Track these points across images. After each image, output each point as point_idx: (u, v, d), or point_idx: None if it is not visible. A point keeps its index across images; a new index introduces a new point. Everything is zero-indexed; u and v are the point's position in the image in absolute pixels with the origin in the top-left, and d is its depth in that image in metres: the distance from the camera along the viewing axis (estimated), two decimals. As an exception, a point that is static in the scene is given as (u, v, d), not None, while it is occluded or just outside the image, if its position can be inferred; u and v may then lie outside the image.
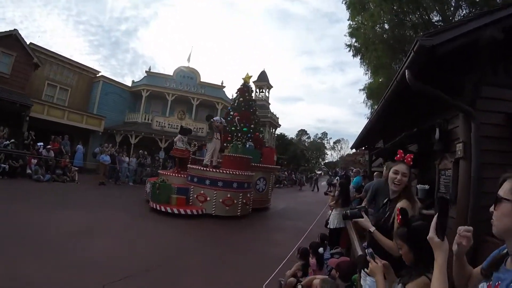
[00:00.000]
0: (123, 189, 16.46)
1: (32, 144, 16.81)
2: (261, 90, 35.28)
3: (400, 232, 2.12)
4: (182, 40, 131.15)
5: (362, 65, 21.58)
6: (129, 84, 28.86)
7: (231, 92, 38.10)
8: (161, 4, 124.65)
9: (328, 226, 7.07)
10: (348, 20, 20.36)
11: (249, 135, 15.58)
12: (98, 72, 26.80)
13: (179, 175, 12.92)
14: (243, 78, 17.40)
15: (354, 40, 20.65)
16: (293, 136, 69.49)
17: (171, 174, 13.19)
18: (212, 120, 12.83)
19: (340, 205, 6.79)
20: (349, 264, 4.26)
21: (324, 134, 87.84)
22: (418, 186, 5.17)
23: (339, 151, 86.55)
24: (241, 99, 16.85)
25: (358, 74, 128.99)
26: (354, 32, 20.06)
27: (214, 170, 11.80)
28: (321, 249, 5.49)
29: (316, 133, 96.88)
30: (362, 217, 3.16)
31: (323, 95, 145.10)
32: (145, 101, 27.24)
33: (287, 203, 18.79)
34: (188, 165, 12.90)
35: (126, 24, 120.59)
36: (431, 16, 17.27)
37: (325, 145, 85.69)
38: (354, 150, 19.80)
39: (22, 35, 19.34)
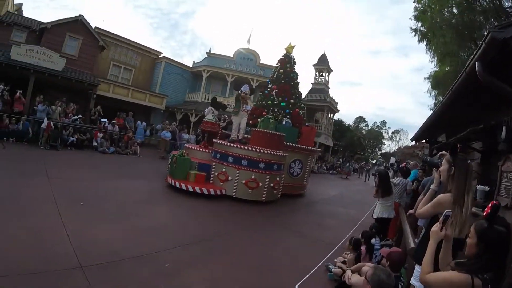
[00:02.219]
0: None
1: (99, 119, 17.91)
2: (320, 74, 34.46)
3: (479, 224, 2.02)
4: (241, 22, 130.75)
5: (428, 52, 20.35)
6: (190, 64, 29.53)
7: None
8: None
9: (372, 216, 6.96)
10: (414, 2, 19.17)
11: (287, 110, 13.77)
12: (160, 53, 27.82)
13: (205, 150, 11.72)
14: (285, 48, 15.37)
15: (420, 24, 19.44)
16: (351, 123, 67.12)
17: (196, 148, 12.12)
18: (240, 91, 11.48)
19: (380, 195, 6.62)
20: (400, 255, 4.25)
21: (383, 122, 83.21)
22: (478, 187, 4.92)
23: (397, 142, 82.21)
24: (281, 70, 14.76)
25: (422, 60, 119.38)
26: (420, 15, 18.83)
27: (239, 146, 10.32)
28: (373, 240, 5.46)
29: (374, 121, 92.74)
30: (438, 166, 3.26)
31: (384, 81, 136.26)
32: (205, 81, 27.74)
33: (340, 190, 18.60)
34: (214, 140, 11.53)
35: (184, 6, 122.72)
36: (502, 2, 15.99)
37: (383, 135, 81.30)
38: (413, 142, 18.98)
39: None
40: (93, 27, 21.63)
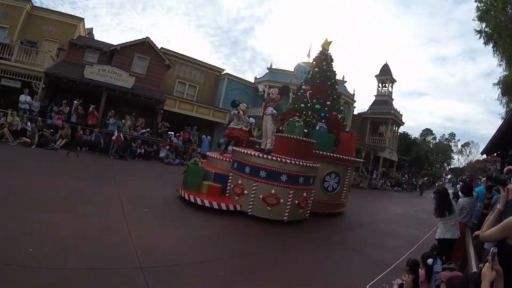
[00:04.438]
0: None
1: (166, 132, 19.00)
2: (383, 85, 33.44)
3: None
4: (300, 35, 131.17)
5: (495, 54, 19.07)
6: (251, 80, 30.00)
7: (352, 87, 36.51)
8: (274, 2, 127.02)
9: (435, 237, 6.46)
10: (475, 1, 18.30)
11: (322, 114, 11.68)
12: (223, 70, 28.65)
13: (224, 159, 10.27)
14: (321, 45, 13.14)
15: (484, 25, 18.41)
16: (417, 136, 63.90)
17: (216, 157, 10.59)
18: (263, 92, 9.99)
19: (439, 214, 6.10)
20: (461, 280, 3.90)
21: (452, 135, 78.04)
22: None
23: (467, 155, 76.43)
24: (316, 69, 12.56)
25: (491, 64, 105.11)
26: (483, 15, 17.85)
27: (256, 154, 8.64)
28: (429, 260, 5.08)
29: (442, 133, 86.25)
30: (506, 183, 2.98)
31: (452, 89, 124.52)
32: (267, 96, 27.69)
33: (404, 208, 17.33)
34: (233, 147, 10.11)
35: (243, 24, 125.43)
36: None
37: (452, 148, 76.20)
38: (484, 156, 17.64)
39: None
40: (159, 47, 22.99)
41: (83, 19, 23.01)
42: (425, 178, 36.15)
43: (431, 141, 73.08)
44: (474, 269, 3.87)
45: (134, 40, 21.61)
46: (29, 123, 13.87)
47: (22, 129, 13.51)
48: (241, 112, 10.93)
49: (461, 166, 70.57)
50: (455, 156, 77.55)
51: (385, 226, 10.92)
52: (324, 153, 10.29)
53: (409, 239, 9.43)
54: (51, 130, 14.28)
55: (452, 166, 72.31)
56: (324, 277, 5.59)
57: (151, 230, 5.89)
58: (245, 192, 8.49)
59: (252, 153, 8.68)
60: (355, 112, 32.22)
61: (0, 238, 4.20)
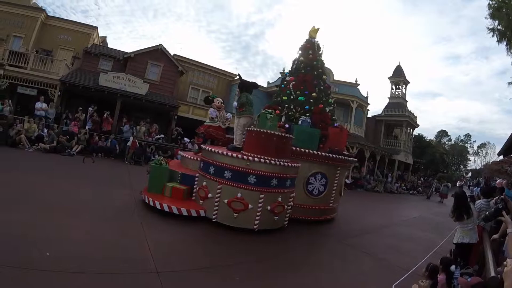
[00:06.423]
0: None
1: (180, 138, 19.19)
2: (397, 87, 32.82)
3: None
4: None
5: (509, 53, 18.48)
6: (264, 84, 29.78)
7: (366, 89, 35.94)
8: (283, 6, 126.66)
9: (453, 241, 6.29)
10: None
11: (307, 107, 10.17)
12: (235, 75, 28.40)
13: (196, 158, 8.68)
14: (308, 33, 11.81)
15: (496, 23, 18.02)
16: (432, 138, 61.88)
17: (189, 157, 9.17)
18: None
19: (455, 218, 5.93)
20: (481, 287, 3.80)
21: (467, 136, 75.94)
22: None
23: (484, 157, 74.53)
24: (301, 59, 11.29)
25: (505, 61, 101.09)
26: (495, 13, 17.12)
27: (221, 152, 7.24)
28: (453, 267, 4.95)
29: (458, 134, 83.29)
30: (502, 215, 2.93)
31: (466, 89, 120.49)
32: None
33: (421, 212, 16.85)
34: (202, 145, 8.76)
35: (254, 28, 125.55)
36: None
37: (468, 150, 73.78)
38: (501, 157, 17.27)
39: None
40: (172, 54, 23.27)
41: (96, 27, 23.52)
42: (435, 180, 33.45)
43: (447, 142, 71.16)
44: (492, 273, 3.72)
45: (147, 48, 21.97)
46: (45, 130, 14.15)
47: (39, 136, 13.76)
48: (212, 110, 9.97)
49: (477, 168, 69.38)
50: (471, 158, 75.75)
51: (401, 230, 10.59)
52: (307, 150, 8.75)
53: (425, 243, 9.01)
54: (67, 137, 14.46)
55: (468, 168, 71.01)
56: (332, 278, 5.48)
57: (167, 235, 5.91)
58: (209, 195, 7.23)
59: (216, 150, 7.39)
60: (369, 115, 31.81)
61: (17, 242, 4.21)
